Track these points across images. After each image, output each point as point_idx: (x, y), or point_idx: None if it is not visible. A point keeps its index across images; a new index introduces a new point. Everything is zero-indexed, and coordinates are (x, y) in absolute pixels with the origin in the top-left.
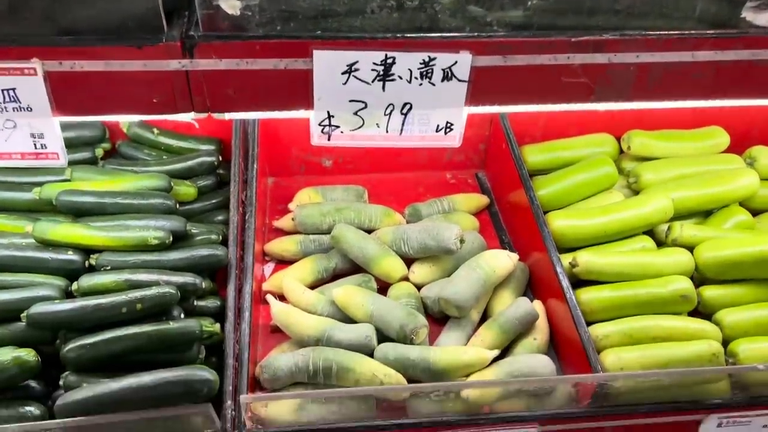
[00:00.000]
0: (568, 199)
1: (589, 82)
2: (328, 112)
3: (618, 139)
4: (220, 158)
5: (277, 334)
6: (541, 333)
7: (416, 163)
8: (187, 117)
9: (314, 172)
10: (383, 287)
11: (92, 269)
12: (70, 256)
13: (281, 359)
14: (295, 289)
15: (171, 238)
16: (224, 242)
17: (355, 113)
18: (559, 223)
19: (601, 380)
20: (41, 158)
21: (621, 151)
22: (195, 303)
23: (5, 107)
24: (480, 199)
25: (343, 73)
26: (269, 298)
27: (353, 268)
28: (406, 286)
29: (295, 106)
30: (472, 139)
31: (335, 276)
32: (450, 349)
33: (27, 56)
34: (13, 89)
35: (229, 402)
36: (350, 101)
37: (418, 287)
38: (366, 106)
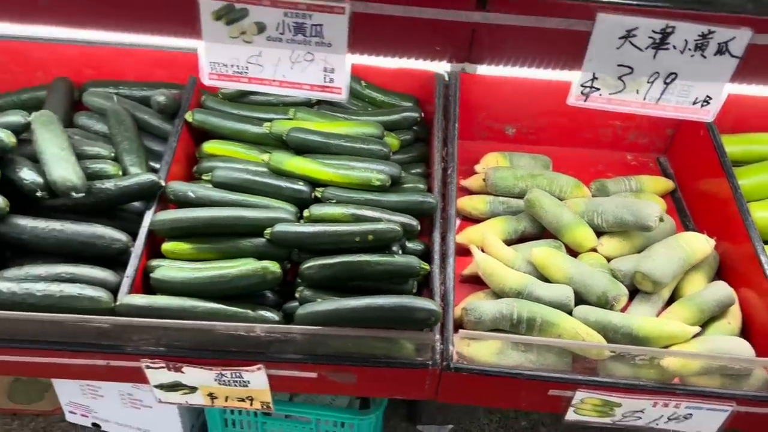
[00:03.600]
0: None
1: None
2: (593, 74)
3: None
4: (423, 115)
5: (465, 285)
6: (734, 318)
7: (597, 141)
8: (445, 67)
9: (496, 139)
10: (571, 255)
11: (317, 200)
12: (301, 186)
13: (486, 305)
14: (495, 243)
15: (390, 182)
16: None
17: (619, 77)
18: (760, 214)
19: None
20: (326, 91)
21: None
22: (406, 243)
23: (310, 41)
24: (666, 183)
25: (620, 38)
26: (473, 248)
27: (539, 232)
28: (596, 257)
29: (560, 64)
30: (659, 123)
31: (521, 239)
32: (653, 318)
33: None
34: (320, 25)
35: (437, 336)
36: (618, 66)
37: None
38: (632, 72)
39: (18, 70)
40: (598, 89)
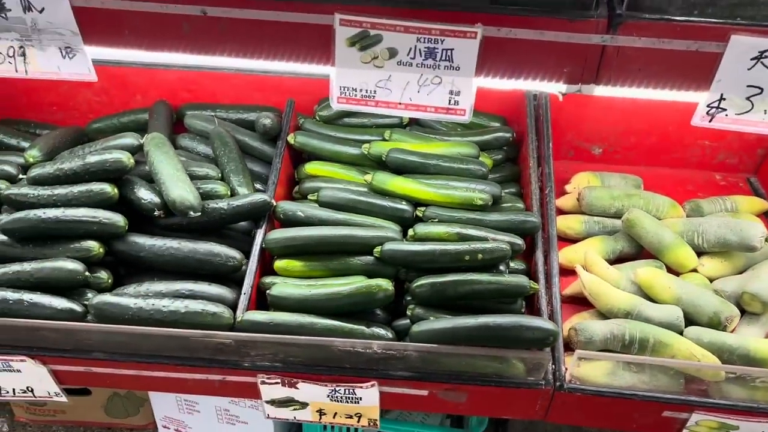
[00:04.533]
0: None
1: None
2: (721, 95)
3: None
4: (514, 135)
5: (567, 304)
6: None
7: (686, 161)
8: (566, 89)
9: (582, 158)
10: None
11: (419, 220)
12: (404, 206)
13: (596, 325)
14: (598, 263)
15: (492, 201)
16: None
17: (748, 98)
18: None
19: None
20: (450, 113)
21: None
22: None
23: (439, 65)
24: (762, 203)
25: (752, 59)
26: (578, 268)
27: (637, 252)
28: (698, 277)
29: (684, 85)
30: (750, 142)
31: (618, 259)
32: None
33: (470, 21)
34: (451, 50)
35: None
36: (747, 86)
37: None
38: (761, 92)
39: (117, 93)
40: (724, 110)
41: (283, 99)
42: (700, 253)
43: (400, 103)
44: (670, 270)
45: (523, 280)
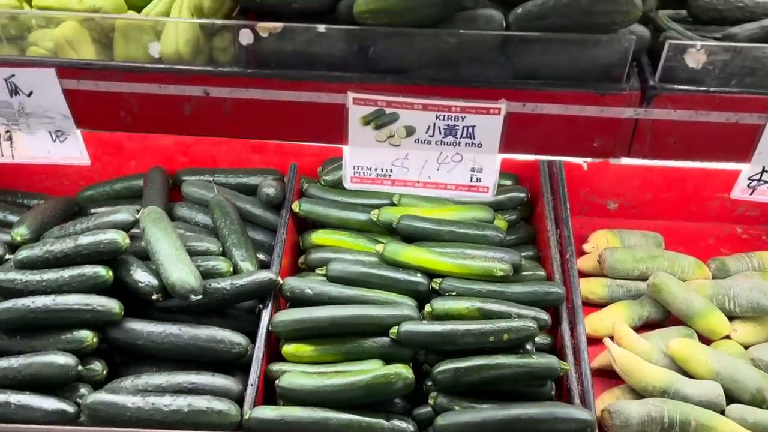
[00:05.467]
0: None
1: None
2: (763, 167)
3: None
4: (529, 194)
5: (595, 377)
6: None
7: (705, 214)
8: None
9: (597, 214)
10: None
11: (434, 292)
12: (418, 278)
13: (631, 406)
14: (628, 335)
15: (512, 271)
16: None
17: None
18: None
19: None
20: (472, 191)
21: None
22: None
23: (459, 142)
24: None
25: None
26: (608, 342)
27: (664, 318)
28: (732, 345)
29: (721, 157)
30: None
31: (645, 325)
32: None
33: (493, 97)
34: (473, 127)
35: None
36: None
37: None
38: None
39: (109, 160)
40: (766, 182)
41: (284, 160)
42: (731, 318)
43: (418, 182)
44: (700, 337)
45: (552, 361)
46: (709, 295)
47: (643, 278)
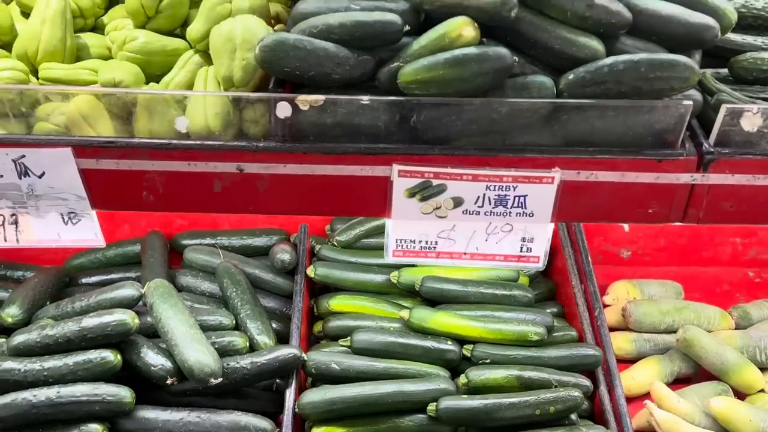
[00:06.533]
0: None
1: None
2: None
3: None
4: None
5: None
6: None
7: (717, 259)
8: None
9: (611, 262)
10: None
11: (466, 359)
12: (449, 345)
13: None
14: (668, 396)
15: (547, 335)
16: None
17: None
18: None
19: None
20: (522, 261)
21: None
22: None
23: (510, 212)
24: None
25: None
26: (650, 406)
27: (695, 372)
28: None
29: None
30: None
31: (675, 380)
32: None
33: (545, 165)
34: (524, 196)
35: None
36: None
37: None
38: None
39: (103, 225)
40: None
41: (286, 218)
42: (762, 369)
43: (465, 253)
44: (735, 391)
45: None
46: (738, 347)
47: (669, 331)
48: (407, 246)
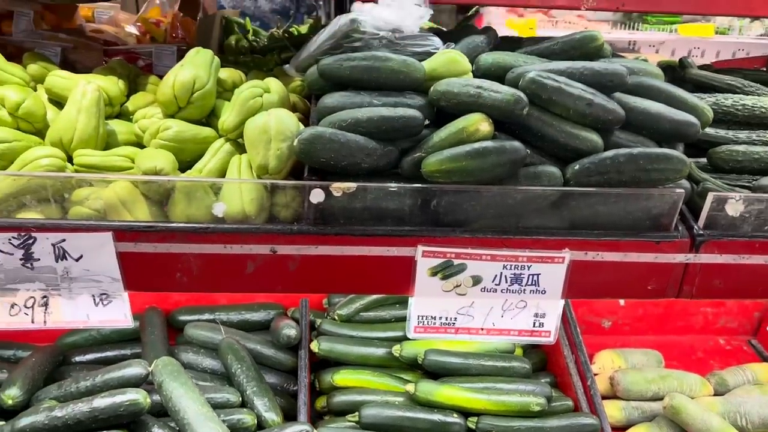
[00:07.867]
0: None
1: None
2: None
3: None
4: None
5: None
6: None
7: (689, 328)
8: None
9: (592, 332)
10: None
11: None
12: (455, 418)
13: None
14: None
15: (548, 406)
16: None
17: None
18: None
19: None
20: (534, 336)
21: None
22: None
23: (524, 289)
24: None
25: None
26: None
27: None
28: None
29: (758, 294)
30: (747, 306)
31: None
32: None
33: (556, 246)
34: (538, 275)
35: None
36: None
37: None
38: None
39: None
40: None
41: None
42: None
43: (482, 329)
44: None
45: None
46: (719, 412)
47: (655, 399)
48: (428, 322)
